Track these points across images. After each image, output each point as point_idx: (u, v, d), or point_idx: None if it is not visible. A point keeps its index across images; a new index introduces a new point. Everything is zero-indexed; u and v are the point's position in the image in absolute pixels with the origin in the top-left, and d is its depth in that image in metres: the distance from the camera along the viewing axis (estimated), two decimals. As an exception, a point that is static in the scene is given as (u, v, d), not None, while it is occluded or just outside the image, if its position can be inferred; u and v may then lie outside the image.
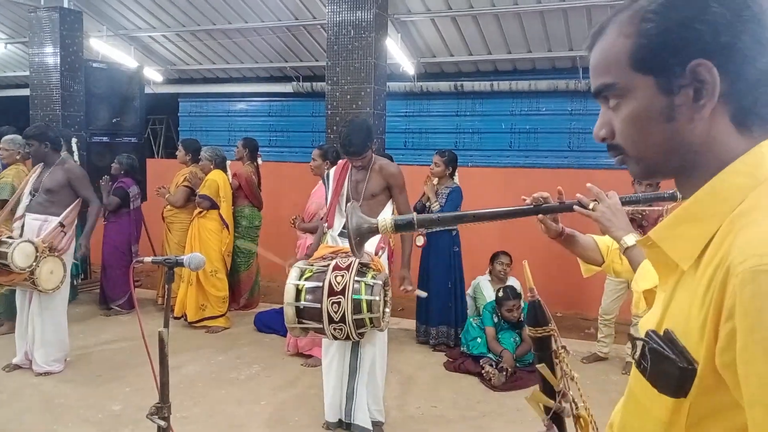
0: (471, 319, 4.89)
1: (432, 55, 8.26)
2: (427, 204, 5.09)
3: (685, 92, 0.76)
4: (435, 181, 5.13)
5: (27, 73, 7.62)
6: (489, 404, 4.04)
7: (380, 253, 3.45)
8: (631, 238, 1.61)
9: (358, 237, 1.53)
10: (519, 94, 8.22)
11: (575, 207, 1.62)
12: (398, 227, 1.49)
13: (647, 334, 0.80)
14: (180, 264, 2.12)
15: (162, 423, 2.01)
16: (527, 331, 1.25)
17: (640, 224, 4.15)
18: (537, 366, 1.19)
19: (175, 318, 5.65)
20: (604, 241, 1.78)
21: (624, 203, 1.69)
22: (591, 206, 1.64)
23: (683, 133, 0.78)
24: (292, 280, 3.05)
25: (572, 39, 7.35)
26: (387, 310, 3.17)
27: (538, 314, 1.22)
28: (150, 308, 6.12)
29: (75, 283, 6.49)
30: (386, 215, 3.43)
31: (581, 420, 1.17)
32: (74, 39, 7.34)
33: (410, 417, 3.82)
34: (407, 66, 8.06)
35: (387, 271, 3.38)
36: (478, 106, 8.61)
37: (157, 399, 2.23)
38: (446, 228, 4.92)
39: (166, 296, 2.17)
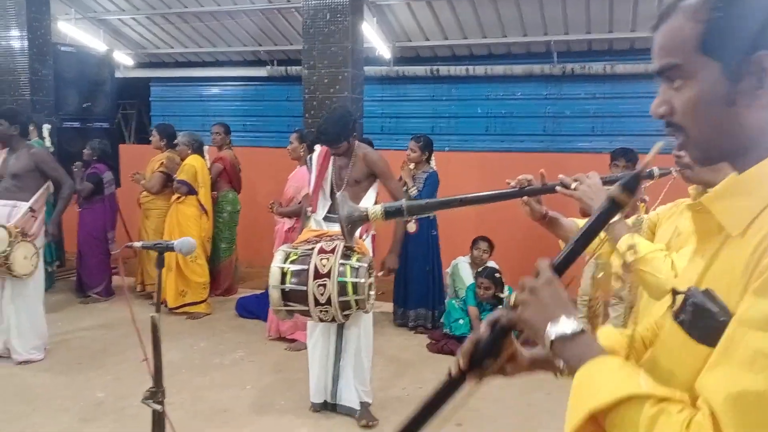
0: (453, 301, 4.96)
1: (408, 39, 8.26)
2: (404, 189, 5.13)
3: (749, 79, 0.82)
4: (411, 166, 5.17)
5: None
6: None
7: (365, 237, 3.48)
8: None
9: (349, 225, 1.56)
10: (494, 79, 8.27)
11: (558, 188, 1.67)
12: (388, 214, 1.52)
13: (690, 290, 0.87)
14: (170, 249, 2.12)
15: (158, 407, 2.02)
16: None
17: None
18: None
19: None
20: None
21: (604, 183, 1.74)
22: (573, 186, 1.69)
23: (741, 118, 0.84)
24: (277, 263, 3.07)
25: (547, 24, 7.41)
26: (372, 292, 3.21)
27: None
28: (130, 295, 6.07)
29: (50, 270, 6.40)
30: (370, 201, 3.47)
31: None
32: (42, 22, 7.15)
33: (397, 398, 3.88)
34: (383, 50, 8.05)
35: (371, 255, 3.42)
36: (454, 91, 8.64)
37: (140, 386, 2.22)
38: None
39: (158, 281, 2.16)
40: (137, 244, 2.27)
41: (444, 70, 8.32)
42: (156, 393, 2.04)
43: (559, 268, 0.99)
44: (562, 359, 0.93)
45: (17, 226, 4.14)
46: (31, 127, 6.40)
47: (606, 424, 0.81)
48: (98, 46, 8.44)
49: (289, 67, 8.87)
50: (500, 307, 4.66)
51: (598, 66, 7.74)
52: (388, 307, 5.48)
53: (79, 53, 7.31)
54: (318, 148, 3.76)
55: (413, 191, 5.04)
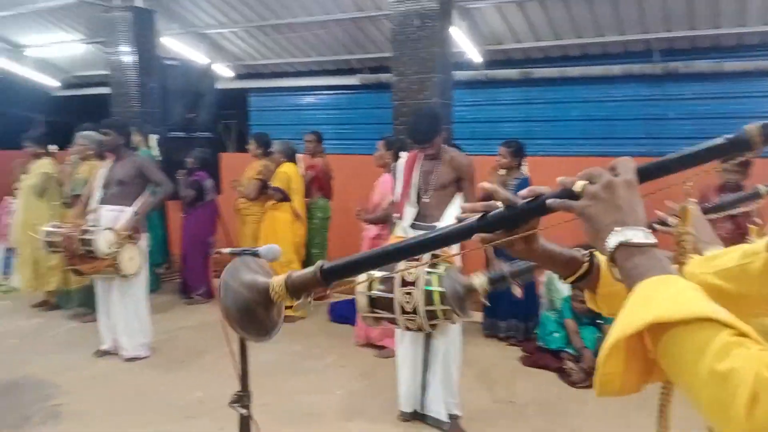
0: (548, 314, 4.80)
1: (498, 42, 8.12)
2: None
3: None
4: (502, 172, 5.06)
5: (106, 71, 7.98)
6: (569, 400, 3.97)
7: (453, 246, 3.43)
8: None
9: (458, 301, 1.50)
10: (591, 80, 7.97)
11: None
12: (493, 283, 1.45)
13: None
14: (256, 255, 2.19)
15: (243, 411, 2.08)
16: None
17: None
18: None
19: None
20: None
21: (707, 212, 1.51)
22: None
23: None
24: (364, 270, 3.09)
25: (647, 21, 7.05)
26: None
27: None
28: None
29: (159, 272, 6.81)
30: (455, 210, 3.41)
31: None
32: (148, 38, 7.63)
33: (486, 411, 3.80)
34: (473, 54, 7.96)
35: (460, 264, 3.37)
36: (548, 94, 8.41)
37: (236, 387, 2.31)
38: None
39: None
40: (225, 250, 2.35)
41: (537, 72, 8.11)
42: (242, 397, 2.10)
43: (644, 174, 0.86)
44: (623, 269, 0.80)
45: (123, 230, 4.42)
46: (139, 138, 6.87)
47: (663, 341, 0.71)
48: (200, 59, 8.89)
49: (380, 74, 8.97)
50: (598, 321, 4.45)
51: (704, 64, 7.28)
52: (478, 316, 5.39)
53: (182, 66, 7.72)
54: (404, 154, 3.76)
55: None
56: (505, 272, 1.41)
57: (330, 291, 1.13)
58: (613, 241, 0.81)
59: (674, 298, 0.72)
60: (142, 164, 4.68)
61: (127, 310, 4.56)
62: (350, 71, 9.45)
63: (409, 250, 1.03)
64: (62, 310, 5.89)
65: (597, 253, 1.04)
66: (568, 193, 0.87)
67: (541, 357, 4.54)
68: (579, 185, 0.87)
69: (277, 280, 1.08)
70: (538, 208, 0.91)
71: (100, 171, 4.73)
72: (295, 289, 1.07)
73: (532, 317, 5.03)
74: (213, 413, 3.72)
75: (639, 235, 0.80)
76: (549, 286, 5.08)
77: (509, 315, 5.06)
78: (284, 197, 5.64)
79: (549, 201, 0.88)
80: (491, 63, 8.38)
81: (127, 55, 7.57)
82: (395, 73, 5.87)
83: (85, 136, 5.60)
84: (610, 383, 0.76)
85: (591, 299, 1.07)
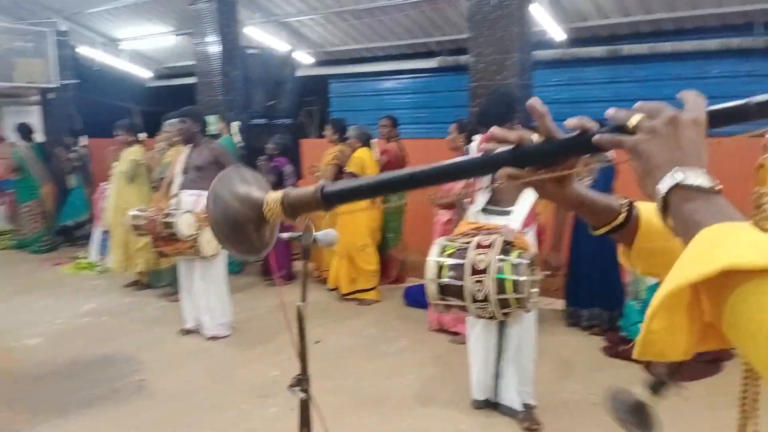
0: (632, 303, 4.57)
1: (583, 19, 7.76)
2: (578, 178, 4.81)
3: None
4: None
5: (193, 62, 8.28)
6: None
7: (527, 230, 3.31)
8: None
9: (637, 420, 1.38)
10: (684, 56, 7.47)
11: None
12: (655, 390, 1.29)
13: None
14: (314, 240, 2.18)
15: (303, 395, 2.08)
16: None
17: None
18: None
19: (330, 290, 5.93)
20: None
21: None
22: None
23: None
24: (433, 256, 3.04)
25: (748, -11, 6.52)
26: (534, 290, 3.05)
27: None
28: (308, 280, 6.47)
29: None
30: (528, 197, 3.27)
31: None
32: (231, 27, 7.84)
33: (564, 402, 3.67)
34: (555, 32, 7.65)
35: (535, 250, 3.25)
36: (638, 72, 7.95)
37: (310, 369, 2.32)
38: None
39: (303, 271, 2.23)
40: (285, 235, 2.35)
41: (625, 49, 7.69)
42: (302, 380, 2.10)
43: (716, 117, 0.74)
44: (678, 215, 0.68)
45: (203, 213, 4.58)
46: (222, 125, 7.09)
47: (734, 296, 0.59)
48: (281, 47, 9.05)
49: (459, 57, 8.80)
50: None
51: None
52: (560, 304, 5.21)
53: (263, 55, 7.90)
54: (477, 137, 3.65)
55: (587, 182, 4.71)
56: (663, 377, 1.29)
57: (326, 214, 1.05)
58: (668, 181, 0.69)
59: (755, 243, 0.59)
60: (217, 151, 4.84)
61: (208, 291, 4.73)
62: (429, 54, 9.33)
63: (421, 178, 0.91)
64: (153, 289, 6.20)
65: (638, 203, 0.92)
66: (620, 129, 0.76)
67: (624, 348, 4.33)
68: (635, 119, 0.74)
69: (272, 196, 0.99)
70: (582, 143, 0.79)
71: (179, 157, 4.92)
72: (292, 208, 0.98)
73: (617, 306, 4.80)
74: (286, 393, 3.79)
75: (702, 178, 0.68)
76: (635, 274, 4.84)
77: (592, 303, 4.86)
78: (360, 181, 5.65)
79: (596, 137, 0.77)
80: (575, 41, 8.02)
81: (212, 45, 7.81)
82: (472, 54, 5.73)
83: (171, 124, 5.83)
84: (654, 344, 0.67)
85: (624, 254, 0.95)
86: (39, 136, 8.83)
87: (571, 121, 0.79)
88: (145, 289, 6.26)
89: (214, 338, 4.76)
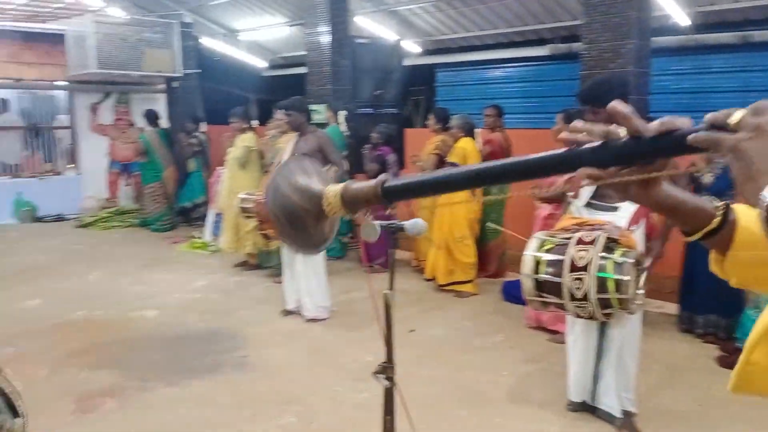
0: (750, 312, 4.20)
1: (710, 2, 7.18)
2: (697, 174, 4.47)
3: None
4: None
5: (304, 52, 8.51)
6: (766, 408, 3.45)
7: (634, 228, 3.12)
8: None
9: None
10: (829, 41, 6.74)
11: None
12: None
13: None
14: (401, 229, 2.16)
15: (387, 383, 2.08)
16: None
17: None
18: None
19: (427, 280, 5.92)
20: None
21: None
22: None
23: None
24: (530, 250, 2.93)
25: None
26: (640, 291, 2.87)
27: None
28: (405, 268, 6.52)
29: (344, 241, 7.20)
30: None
31: None
32: (342, 17, 7.96)
33: (667, 411, 3.44)
34: (679, 17, 7.14)
35: (642, 249, 3.05)
36: (771, 60, 7.28)
37: (403, 355, 2.31)
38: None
39: (391, 259, 2.22)
40: (375, 223, 2.34)
41: (756, 35, 7.04)
42: (387, 368, 2.10)
43: None
44: None
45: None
46: (330, 114, 7.25)
47: None
48: (389, 36, 9.09)
49: (571, 44, 8.45)
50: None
51: None
52: (672, 308, 4.89)
53: (372, 44, 7.98)
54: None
55: (708, 177, 4.37)
56: None
57: (390, 210, 1.01)
58: None
59: None
60: (323, 141, 4.95)
61: (308, 274, 4.87)
62: (539, 42, 9.03)
63: (486, 175, 0.86)
64: (261, 269, 6.48)
65: (735, 206, 0.81)
66: (720, 127, 0.67)
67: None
68: (736, 116, 0.66)
69: (332, 190, 0.97)
70: (674, 143, 0.71)
71: (288, 144, 5.07)
72: (351, 203, 0.96)
73: (735, 313, 4.43)
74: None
75: None
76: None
77: (709, 309, 4.51)
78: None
79: (691, 136, 0.68)
80: (701, 26, 7.44)
81: (323, 35, 7.98)
82: (585, 41, 5.47)
83: (281, 113, 6.03)
84: (754, 378, 0.59)
85: (717, 263, 0.85)
86: (164, 122, 9.45)
87: (655, 124, 0.71)
88: (252, 270, 6.55)
89: (313, 320, 4.89)
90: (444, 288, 5.69)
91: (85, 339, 4.53)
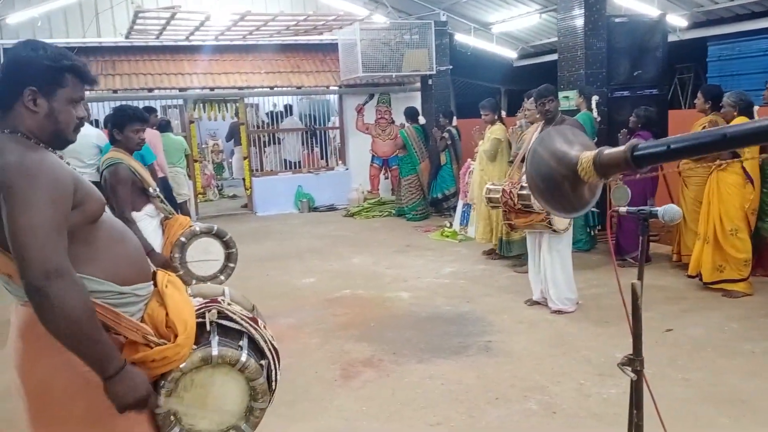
0: None
1: None
2: None
3: None
4: None
5: (555, 39, 8.29)
6: None
7: None
8: None
9: None
10: None
11: None
12: None
13: None
14: (654, 215, 2.01)
15: (632, 376, 1.98)
16: None
17: None
18: None
19: (690, 276, 5.40)
20: None
21: None
22: None
23: None
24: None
25: None
26: None
27: None
28: (663, 263, 6.03)
29: (593, 233, 6.90)
30: None
31: None
32: (598, -2, 7.57)
33: None
34: None
35: None
36: None
37: (657, 355, 2.17)
38: None
39: (641, 247, 2.09)
40: (623, 209, 2.23)
41: None
42: (633, 361, 2.00)
43: None
44: None
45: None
46: (580, 99, 6.99)
47: None
48: (650, 12, 8.40)
49: None
50: None
51: None
52: None
53: (630, 22, 7.46)
54: None
55: None
56: None
57: (640, 173, 0.99)
58: None
59: None
60: (573, 127, 4.81)
61: (554, 264, 4.79)
62: None
63: (735, 137, 0.81)
64: (507, 259, 6.55)
65: None
66: None
67: None
68: None
69: (585, 156, 0.98)
70: None
71: (532, 135, 5.04)
72: (603, 168, 0.97)
73: None
74: (625, 375, 3.63)
75: None
76: None
77: None
78: (734, 155, 4.95)
79: None
80: None
81: (577, 18, 7.68)
82: None
83: (531, 102, 6.00)
84: None
85: None
86: (422, 119, 10.06)
87: None
88: (499, 259, 6.64)
89: (558, 312, 4.80)
90: (710, 286, 5.12)
91: (349, 314, 5.08)
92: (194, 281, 3.53)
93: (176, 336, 1.65)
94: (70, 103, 1.68)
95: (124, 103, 6.03)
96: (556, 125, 4.84)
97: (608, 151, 0.98)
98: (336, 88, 11.36)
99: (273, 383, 1.83)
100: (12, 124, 1.62)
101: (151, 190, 3.71)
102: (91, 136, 6.30)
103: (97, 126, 7.15)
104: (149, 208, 3.72)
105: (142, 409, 1.62)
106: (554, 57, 8.40)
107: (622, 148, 0.95)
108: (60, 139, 1.70)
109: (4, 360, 1.72)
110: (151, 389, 1.62)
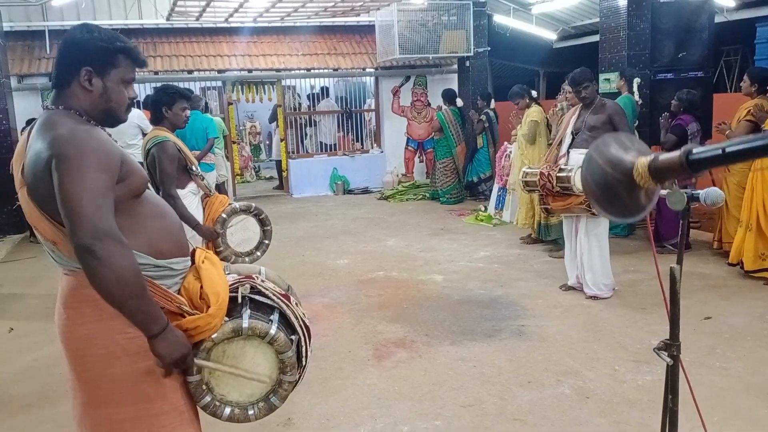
0: None
1: None
2: None
3: None
4: None
5: (597, 20, 8.10)
6: None
7: None
8: None
9: None
10: None
11: None
12: None
13: None
14: (695, 198, 1.95)
15: (668, 360, 1.95)
16: None
17: None
18: None
19: (731, 264, 5.28)
20: None
21: None
22: None
23: None
24: None
25: None
26: None
27: None
28: (704, 251, 5.91)
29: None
30: None
31: None
32: (642, -25, 7.36)
33: None
34: None
35: None
36: None
37: (691, 342, 2.14)
38: None
39: (681, 232, 2.04)
40: (663, 192, 2.18)
41: None
42: (670, 346, 1.97)
43: None
44: None
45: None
46: (622, 82, 6.84)
47: None
48: (698, -9, 8.11)
49: None
50: None
51: None
52: None
53: (676, 3, 7.23)
54: None
55: None
56: None
57: (695, 178, 1.01)
58: None
59: None
60: (612, 110, 4.75)
61: (590, 249, 4.73)
62: None
63: None
64: (543, 243, 6.49)
65: None
66: None
67: None
68: None
69: (641, 161, 1.00)
70: None
71: (570, 118, 4.96)
72: (658, 173, 0.99)
73: None
74: (661, 363, 3.59)
75: None
76: None
77: None
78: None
79: None
80: None
81: (620, -1, 7.51)
82: None
83: (570, 85, 5.89)
84: None
85: None
86: (460, 101, 9.97)
87: None
88: (534, 243, 6.59)
89: (594, 297, 4.75)
90: (752, 275, 5.00)
91: (383, 295, 5.12)
92: (233, 257, 3.65)
93: (209, 307, 1.71)
94: (123, 83, 1.77)
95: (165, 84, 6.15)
96: (595, 108, 4.76)
97: (663, 156, 1.00)
98: (372, 70, 11.33)
99: (303, 359, 1.88)
100: (67, 102, 1.71)
101: (194, 168, 3.81)
102: (133, 117, 6.44)
103: (139, 107, 7.30)
104: (192, 185, 3.85)
105: (183, 367, 1.71)
106: (595, 38, 8.22)
107: (677, 152, 0.97)
108: (111, 117, 1.78)
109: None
110: (191, 348, 1.70)
